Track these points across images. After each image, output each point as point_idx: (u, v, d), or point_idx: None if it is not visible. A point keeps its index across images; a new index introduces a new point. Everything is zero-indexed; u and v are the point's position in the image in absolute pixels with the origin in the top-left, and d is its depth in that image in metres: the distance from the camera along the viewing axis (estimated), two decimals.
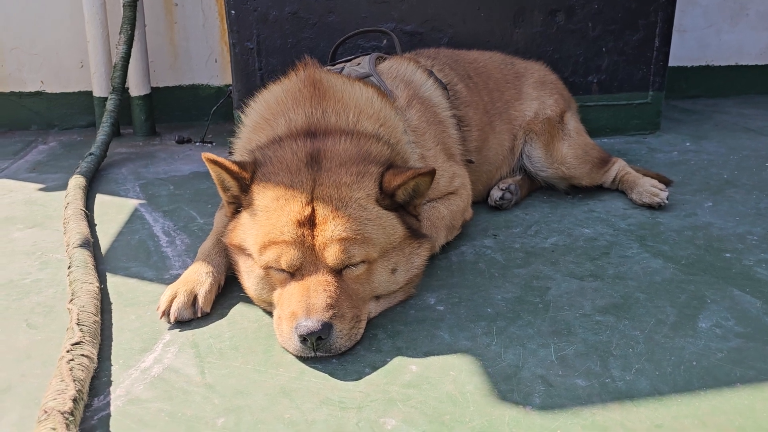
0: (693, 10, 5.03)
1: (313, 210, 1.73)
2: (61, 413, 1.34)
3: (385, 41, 3.51)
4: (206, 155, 1.84)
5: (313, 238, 1.72)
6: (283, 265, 1.73)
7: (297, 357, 1.68)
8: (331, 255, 1.71)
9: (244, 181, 1.85)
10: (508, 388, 1.55)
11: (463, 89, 2.68)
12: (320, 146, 1.86)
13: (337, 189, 1.77)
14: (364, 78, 2.29)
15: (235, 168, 1.84)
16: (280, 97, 2.08)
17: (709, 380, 1.58)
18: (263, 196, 1.80)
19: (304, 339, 1.62)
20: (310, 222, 1.73)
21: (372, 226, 1.78)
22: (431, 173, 1.84)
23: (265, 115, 2.07)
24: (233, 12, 3.39)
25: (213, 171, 1.87)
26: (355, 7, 3.48)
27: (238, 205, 1.91)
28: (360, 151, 1.86)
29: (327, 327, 1.62)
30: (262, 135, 2.01)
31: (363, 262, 1.76)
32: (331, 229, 1.71)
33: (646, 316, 1.88)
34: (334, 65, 2.58)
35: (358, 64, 2.44)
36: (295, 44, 3.49)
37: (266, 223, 1.76)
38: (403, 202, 1.88)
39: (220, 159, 1.83)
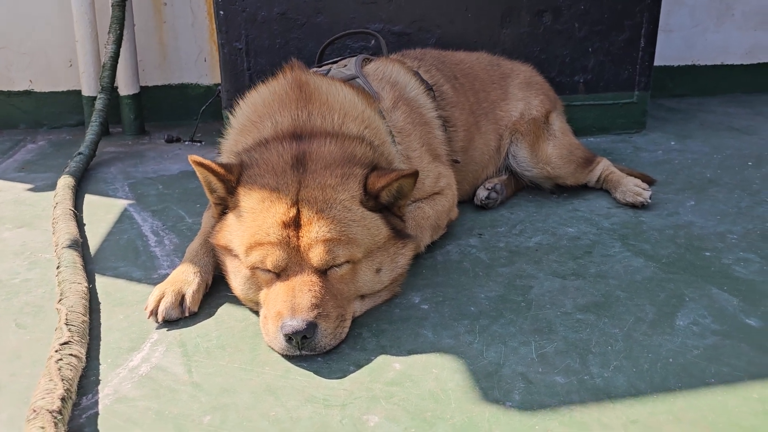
0: (679, 10, 5.08)
1: (298, 211, 1.76)
2: (50, 412, 1.37)
3: (372, 41, 3.54)
4: (193, 158, 1.86)
5: (298, 239, 1.75)
6: (269, 266, 1.75)
7: (283, 355, 1.72)
8: (316, 255, 1.74)
9: (230, 184, 1.87)
10: (488, 385, 1.59)
11: (449, 90, 2.71)
12: (305, 148, 1.88)
13: (321, 191, 1.80)
14: (350, 80, 2.31)
15: (221, 170, 1.86)
16: (266, 100, 2.11)
17: (684, 377, 1.62)
18: (249, 197, 1.83)
19: (289, 338, 1.66)
20: (295, 223, 1.76)
21: (356, 226, 1.81)
22: (414, 175, 1.87)
23: (251, 118, 2.09)
24: (222, 12, 3.41)
25: (200, 173, 1.90)
26: (344, 8, 3.50)
27: (224, 207, 1.94)
28: (345, 153, 1.89)
29: (312, 326, 1.65)
30: (248, 137, 2.04)
31: (347, 262, 1.79)
32: (315, 230, 1.74)
33: (625, 314, 1.92)
34: (320, 67, 2.60)
35: (345, 65, 2.47)
36: (284, 45, 3.51)
37: (252, 224, 1.79)
38: (387, 203, 1.92)
39: (207, 161, 1.86)
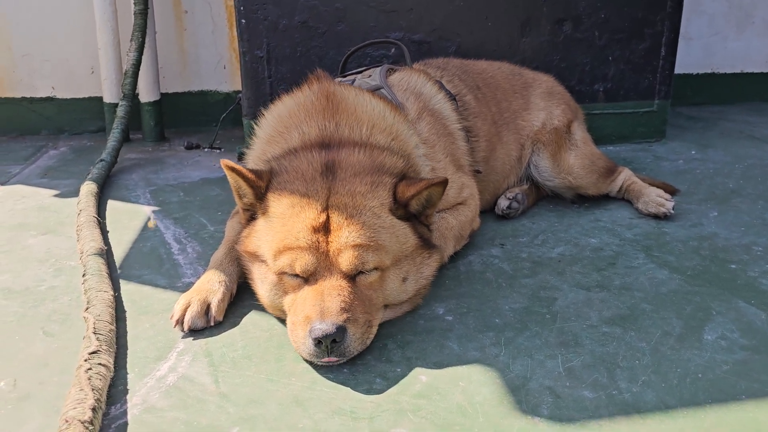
0: (699, 18, 5.05)
1: (328, 217, 1.77)
2: (82, 422, 1.37)
3: (393, 50, 3.55)
4: (225, 162, 1.87)
5: (327, 244, 1.75)
6: (298, 270, 1.76)
7: (310, 365, 1.72)
8: (345, 261, 1.74)
9: (259, 190, 1.89)
10: (516, 399, 1.58)
11: (471, 100, 2.71)
12: (335, 157, 1.90)
13: (351, 197, 1.80)
14: (375, 90, 2.32)
15: (251, 176, 1.88)
16: (292, 110, 2.12)
17: (714, 393, 1.61)
18: (279, 203, 1.84)
19: (318, 342, 1.65)
20: (324, 228, 1.76)
21: (385, 234, 1.81)
22: (444, 183, 1.88)
23: (278, 128, 2.10)
24: (244, 21, 3.43)
25: (231, 178, 1.91)
26: (364, 17, 3.51)
27: (253, 213, 1.95)
28: (374, 162, 1.90)
29: (341, 330, 1.65)
30: (276, 147, 2.05)
31: (376, 269, 1.79)
32: (345, 236, 1.75)
33: (652, 328, 1.91)
34: (344, 77, 2.61)
35: (369, 76, 2.47)
36: (305, 53, 3.53)
37: (281, 229, 1.80)
38: (416, 212, 1.92)
39: (238, 167, 1.87)
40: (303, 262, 1.74)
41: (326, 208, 1.78)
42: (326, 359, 1.68)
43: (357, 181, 1.83)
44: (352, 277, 1.76)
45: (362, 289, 1.78)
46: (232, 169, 1.87)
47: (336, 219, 1.76)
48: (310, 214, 1.77)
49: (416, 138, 2.20)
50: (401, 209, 1.87)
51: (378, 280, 1.81)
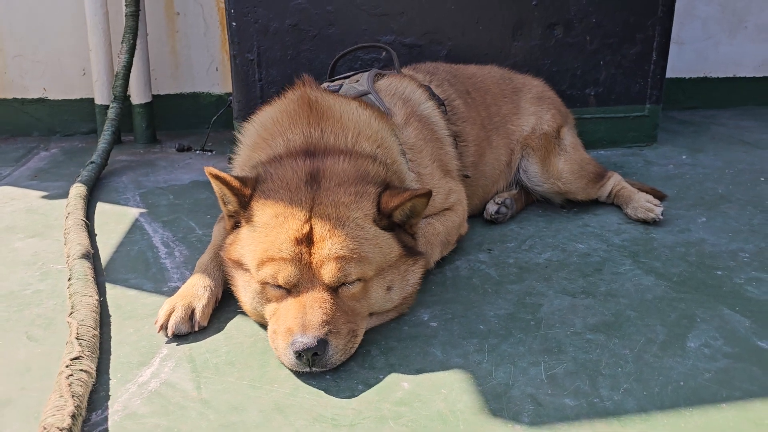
0: (692, 22, 5.06)
1: (311, 228, 1.77)
2: (60, 429, 1.37)
3: (384, 53, 3.55)
4: (209, 170, 1.87)
5: (310, 255, 1.75)
6: (280, 282, 1.76)
7: (292, 372, 1.72)
8: (328, 273, 1.74)
9: (244, 198, 1.88)
10: (498, 406, 1.59)
11: (460, 105, 2.71)
12: (319, 166, 1.89)
13: (335, 208, 1.80)
14: (362, 96, 2.32)
15: (236, 184, 1.87)
16: (277, 117, 2.12)
17: (695, 401, 1.61)
18: (263, 212, 1.84)
19: (299, 354, 1.65)
20: (307, 240, 1.76)
21: (368, 245, 1.81)
22: (428, 195, 1.88)
23: (263, 135, 2.10)
24: (234, 24, 3.43)
25: (215, 186, 1.91)
26: (355, 20, 3.51)
27: (237, 220, 1.95)
28: (358, 171, 1.90)
29: (323, 343, 1.66)
30: (261, 154, 2.05)
31: (359, 280, 1.79)
32: (328, 247, 1.75)
33: (636, 335, 1.91)
34: (332, 81, 2.61)
35: (357, 81, 2.47)
36: (295, 56, 3.53)
37: (265, 239, 1.80)
38: (399, 222, 1.92)
39: (222, 174, 1.87)
40: (286, 273, 1.74)
41: (310, 219, 1.78)
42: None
43: (341, 191, 1.83)
44: (334, 289, 1.76)
45: (345, 300, 1.78)
46: (217, 177, 1.86)
47: (319, 230, 1.76)
48: (293, 225, 1.77)
49: (402, 144, 2.20)
50: (385, 219, 1.87)
51: (361, 291, 1.81)
